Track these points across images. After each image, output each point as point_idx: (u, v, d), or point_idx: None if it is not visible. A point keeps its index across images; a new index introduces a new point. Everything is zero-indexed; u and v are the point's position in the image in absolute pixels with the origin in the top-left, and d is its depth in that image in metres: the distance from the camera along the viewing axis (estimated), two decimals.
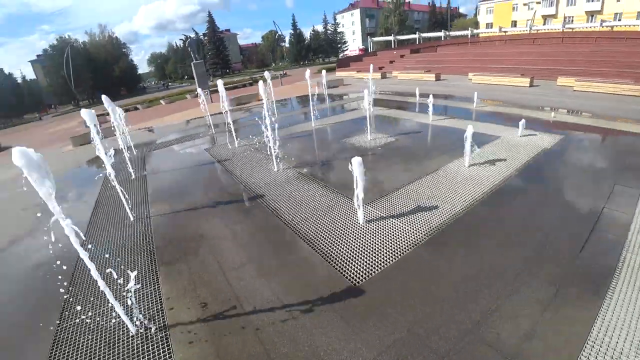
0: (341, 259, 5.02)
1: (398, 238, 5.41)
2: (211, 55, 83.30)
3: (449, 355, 3.35)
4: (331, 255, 5.16)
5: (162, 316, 4.33)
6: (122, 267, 5.48)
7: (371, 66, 16.80)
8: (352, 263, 4.91)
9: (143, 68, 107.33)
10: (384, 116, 14.39)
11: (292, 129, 13.63)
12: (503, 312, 3.79)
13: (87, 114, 5.91)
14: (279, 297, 4.43)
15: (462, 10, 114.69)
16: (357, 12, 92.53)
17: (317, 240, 5.60)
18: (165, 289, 4.86)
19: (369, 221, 6.00)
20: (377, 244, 5.31)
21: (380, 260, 4.91)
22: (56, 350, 4.03)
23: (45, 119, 52.22)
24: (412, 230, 5.59)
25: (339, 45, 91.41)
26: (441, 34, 52.64)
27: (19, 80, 68.57)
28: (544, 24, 53.03)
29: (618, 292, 3.89)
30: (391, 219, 6.01)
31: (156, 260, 5.62)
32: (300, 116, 16.62)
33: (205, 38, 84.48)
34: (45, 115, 58.47)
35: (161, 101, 37.78)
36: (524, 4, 58.78)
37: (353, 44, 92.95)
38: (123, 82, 72.50)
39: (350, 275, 4.66)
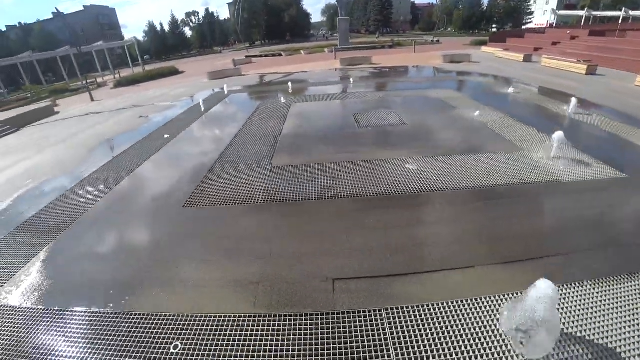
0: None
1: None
2: (374, 12, 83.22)
3: None
4: None
5: None
6: None
7: None
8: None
9: (317, 17, 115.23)
10: (436, 99, 13.08)
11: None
12: None
13: None
14: None
15: None
16: None
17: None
18: None
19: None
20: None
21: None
22: None
23: (224, 52, 64.29)
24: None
25: (523, 16, 77.21)
26: None
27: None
28: None
29: None
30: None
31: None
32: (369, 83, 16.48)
33: None
34: (226, 49, 71.87)
35: (302, 51, 41.55)
36: None
37: (542, 17, 77.03)
38: (291, 29, 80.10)
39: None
